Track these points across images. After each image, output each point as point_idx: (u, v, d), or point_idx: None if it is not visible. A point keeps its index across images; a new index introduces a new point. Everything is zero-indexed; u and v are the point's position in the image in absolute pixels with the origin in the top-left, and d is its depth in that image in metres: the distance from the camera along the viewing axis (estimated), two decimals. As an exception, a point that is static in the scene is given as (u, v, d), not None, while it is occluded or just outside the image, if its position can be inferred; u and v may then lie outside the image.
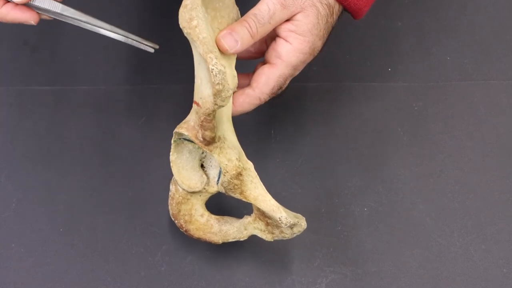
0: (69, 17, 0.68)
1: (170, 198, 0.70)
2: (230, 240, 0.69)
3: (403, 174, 0.78)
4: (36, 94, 0.81)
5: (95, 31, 0.70)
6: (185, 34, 0.61)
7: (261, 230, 0.68)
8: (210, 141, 0.64)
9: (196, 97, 0.64)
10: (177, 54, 0.83)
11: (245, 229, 0.68)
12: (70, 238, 0.74)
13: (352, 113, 0.81)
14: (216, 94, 0.60)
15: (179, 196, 0.69)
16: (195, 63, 0.64)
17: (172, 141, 0.68)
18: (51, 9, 0.67)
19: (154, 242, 0.74)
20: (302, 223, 0.66)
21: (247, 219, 0.68)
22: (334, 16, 0.68)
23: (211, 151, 0.65)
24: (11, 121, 0.79)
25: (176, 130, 0.66)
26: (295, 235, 0.67)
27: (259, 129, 0.80)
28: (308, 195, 0.77)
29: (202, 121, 0.63)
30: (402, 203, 0.77)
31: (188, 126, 0.65)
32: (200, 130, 0.64)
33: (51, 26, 0.80)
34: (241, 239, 0.69)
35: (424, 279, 0.73)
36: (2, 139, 0.78)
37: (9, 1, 0.66)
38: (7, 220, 0.75)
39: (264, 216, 0.66)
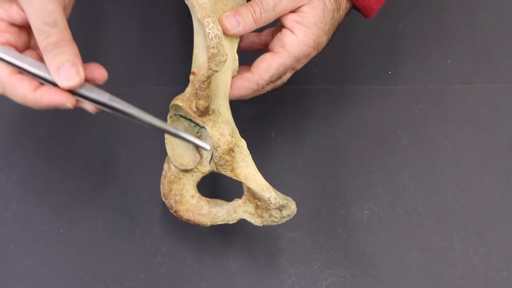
0: (115, 108, 0.61)
1: (162, 177, 0.70)
2: (219, 223, 0.69)
3: (403, 177, 0.78)
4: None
5: (143, 125, 0.62)
6: (186, 1, 0.62)
7: (250, 213, 0.67)
8: (203, 112, 0.64)
9: (193, 67, 0.64)
10: (177, 56, 0.83)
11: (235, 212, 0.68)
12: (70, 239, 0.74)
13: (352, 115, 0.81)
14: (211, 57, 0.61)
15: (171, 174, 0.69)
16: (194, 33, 0.64)
17: (168, 117, 0.68)
18: (98, 99, 0.60)
19: (154, 244, 0.74)
20: (292, 206, 0.66)
21: (237, 202, 0.68)
22: (341, 12, 0.68)
23: (204, 123, 0.65)
24: (12, 122, 0.79)
25: (172, 102, 0.66)
26: (284, 219, 0.66)
27: (259, 132, 0.80)
28: (308, 198, 0.77)
29: (196, 89, 0.63)
30: (402, 205, 0.77)
31: (184, 98, 0.65)
32: (194, 100, 0.64)
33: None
34: (230, 222, 0.68)
35: (424, 282, 0.73)
36: (2, 140, 0.78)
37: (43, 84, 0.59)
38: (7, 221, 0.74)
39: (254, 197, 0.66)
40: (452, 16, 0.88)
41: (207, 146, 0.62)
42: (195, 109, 0.64)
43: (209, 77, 0.62)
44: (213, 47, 0.60)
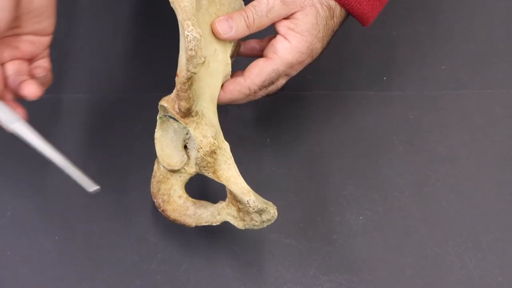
0: (20, 136, 0.64)
1: (152, 176, 0.71)
2: (203, 224, 0.69)
3: (398, 183, 0.78)
4: (31, 102, 0.80)
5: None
6: (171, 4, 0.62)
7: (233, 216, 0.68)
8: (185, 113, 0.64)
9: (178, 69, 0.65)
10: (171, 63, 0.83)
11: (218, 214, 0.69)
12: (65, 246, 0.74)
13: (347, 121, 0.82)
14: (189, 59, 0.61)
15: (160, 174, 0.70)
16: (180, 36, 0.64)
17: (157, 117, 0.68)
18: (5, 124, 0.64)
19: (149, 251, 0.74)
20: (271, 211, 0.66)
21: (221, 204, 0.69)
22: (335, 19, 0.68)
23: (187, 124, 0.65)
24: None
25: (159, 102, 0.66)
26: (265, 224, 0.67)
27: (254, 138, 0.80)
28: (304, 204, 0.77)
29: (178, 91, 0.63)
30: (397, 211, 0.77)
31: (169, 99, 0.66)
32: (176, 101, 0.64)
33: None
34: (214, 224, 0.69)
35: (419, 287, 0.73)
36: (-3, 147, 0.78)
37: None
38: (2, 228, 0.74)
39: (236, 200, 0.66)
40: (447, 22, 0.89)
41: (94, 187, 0.64)
42: (177, 110, 0.65)
43: (188, 78, 0.62)
44: (191, 49, 0.60)
